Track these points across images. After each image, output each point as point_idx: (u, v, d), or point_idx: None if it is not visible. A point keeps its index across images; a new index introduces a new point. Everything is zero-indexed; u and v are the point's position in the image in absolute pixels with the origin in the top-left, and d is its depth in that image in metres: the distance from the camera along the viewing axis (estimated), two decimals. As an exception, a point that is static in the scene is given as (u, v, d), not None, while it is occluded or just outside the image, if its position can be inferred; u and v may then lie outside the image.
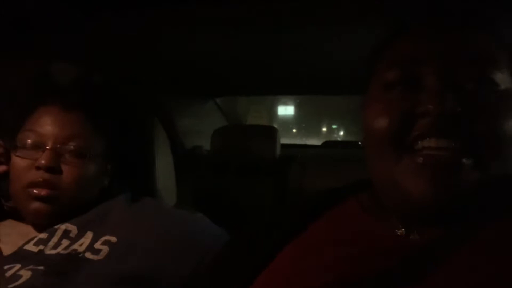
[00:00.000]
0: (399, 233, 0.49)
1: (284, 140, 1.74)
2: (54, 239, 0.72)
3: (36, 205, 0.73)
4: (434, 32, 0.49)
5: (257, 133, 1.63)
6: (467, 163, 0.44)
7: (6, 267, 0.66)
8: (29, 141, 0.76)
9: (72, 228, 0.74)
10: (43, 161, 0.73)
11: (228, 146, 1.62)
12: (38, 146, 0.75)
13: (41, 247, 0.71)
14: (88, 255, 0.68)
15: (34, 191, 0.73)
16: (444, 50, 0.47)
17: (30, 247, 0.71)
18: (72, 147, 0.76)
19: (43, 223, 0.75)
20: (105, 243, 0.71)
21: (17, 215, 0.79)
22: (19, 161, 0.76)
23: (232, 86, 1.89)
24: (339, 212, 0.57)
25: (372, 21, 0.91)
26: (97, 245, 0.70)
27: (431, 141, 0.45)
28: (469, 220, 0.46)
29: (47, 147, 0.75)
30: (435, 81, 0.46)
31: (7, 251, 0.71)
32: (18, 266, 0.66)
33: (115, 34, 1.09)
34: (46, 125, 0.76)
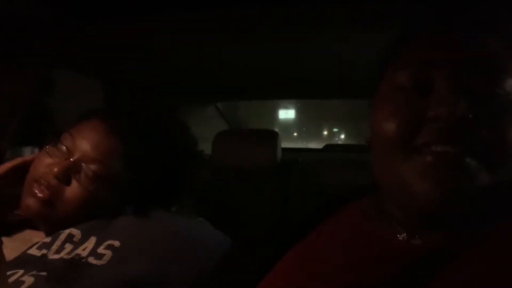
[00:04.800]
0: (400, 238, 0.49)
1: (285, 144, 1.74)
2: (57, 243, 0.72)
3: (30, 201, 0.75)
4: (448, 37, 0.49)
5: (258, 138, 1.63)
6: (474, 168, 0.44)
7: (9, 272, 0.66)
8: (65, 143, 0.78)
9: (76, 233, 0.74)
10: (56, 169, 0.75)
11: (229, 150, 1.62)
12: (67, 153, 0.77)
13: (44, 251, 0.71)
14: (91, 260, 0.68)
15: (35, 190, 0.74)
16: (457, 54, 0.47)
17: (33, 251, 0.72)
18: (91, 170, 0.76)
19: (37, 222, 0.77)
20: (108, 247, 0.71)
21: (23, 222, 0.80)
22: (44, 155, 0.78)
23: (233, 91, 1.90)
24: (341, 218, 0.57)
25: (374, 26, 0.91)
26: (100, 250, 0.70)
27: (438, 147, 0.44)
28: (472, 225, 0.46)
29: (71, 159, 0.76)
30: (447, 86, 0.46)
31: (10, 256, 0.71)
32: (21, 271, 0.66)
33: (114, 41, 1.09)
34: (84, 139, 0.78)
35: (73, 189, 0.76)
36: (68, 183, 0.76)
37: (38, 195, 0.74)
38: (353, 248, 0.51)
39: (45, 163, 0.77)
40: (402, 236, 0.49)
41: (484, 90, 0.46)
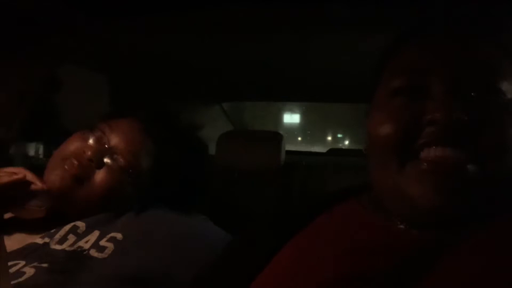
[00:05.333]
0: (399, 230, 0.49)
1: (289, 148, 1.74)
2: (61, 233, 0.73)
3: (58, 175, 0.76)
4: (442, 40, 0.50)
5: (262, 139, 1.63)
6: (472, 171, 0.44)
7: (10, 263, 0.66)
8: (101, 132, 0.80)
9: (81, 225, 0.74)
10: (90, 152, 0.77)
11: (233, 151, 1.62)
12: (101, 140, 0.80)
13: (47, 239, 0.71)
14: (93, 252, 0.69)
15: (66, 166, 0.76)
16: (452, 59, 0.48)
17: (36, 239, 0.72)
18: (123, 161, 0.79)
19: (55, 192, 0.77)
20: (110, 240, 0.71)
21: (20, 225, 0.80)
22: (78, 136, 0.81)
23: (238, 91, 1.90)
24: (340, 211, 0.57)
25: (378, 30, 0.91)
26: (103, 242, 0.70)
27: (437, 150, 0.45)
28: (469, 223, 0.46)
29: (106, 146, 0.79)
30: (443, 90, 0.46)
31: (13, 246, 0.71)
32: (22, 263, 0.66)
33: (121, 39, 1.10)
34: (120, 132, 0.81)
35: (102, 174, 0.78)
36: (100, 167, 0.78)
37: (71, 170, 0.75)
38: (352, 238, 0.51)
39: (79, 144, 0.79)
40: (401, 227, 0.49)
41: (480, 94, 0.46)
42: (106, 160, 0.78)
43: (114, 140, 0.80)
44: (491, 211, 0.46)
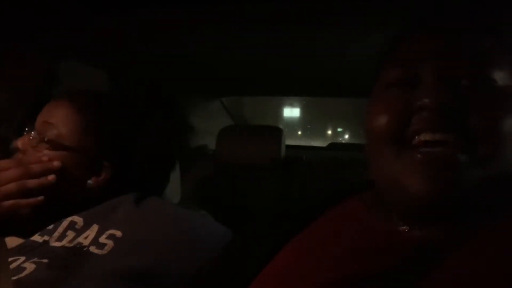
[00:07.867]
0: (401, 229, 0.49)
1: (289, 142, 1.74)
2: (60, 230, 0.72)
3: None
4: (434, 32, 0.51)
5: (262, 134, 1.63)
6: (465, 159, 0.44)
7: (10, 259, 0.66)
8: (35, 131, 0.81)
9: (78, 220, 0.74)
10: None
11: (233, 146, 1.62)
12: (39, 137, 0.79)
13: (46, 237, 0.71)
14: (93, 249, 0.69)
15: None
16: (442, 48, 0.49)
17: (35, 237, 0.72)
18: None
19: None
20: (110, 237, 0.71)
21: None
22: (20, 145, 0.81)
23: (238, 86, 1.89)
24: (342, 210, 0.57)
25: (379, 24, 0.91)
26: (102, 239, 0.70)
27: (427, 135, 0.45)
28: (470, 217, 0.46)
29: (45, 140, 0.78)
30: (432, 77, 0.47)
31: (12, 243, 0.71)
32: (22, 258, 0.66)
33: (120, 33, 1.09)
34: (53, 118, 0.81)
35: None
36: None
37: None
38: (353, 239, 0.51)
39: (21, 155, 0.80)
40: (402, 227, 0.49)
41: (470, 81, 0.47)
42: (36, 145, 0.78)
43: (50, 130, 0.79)
44: (494, 205, 0.46)
